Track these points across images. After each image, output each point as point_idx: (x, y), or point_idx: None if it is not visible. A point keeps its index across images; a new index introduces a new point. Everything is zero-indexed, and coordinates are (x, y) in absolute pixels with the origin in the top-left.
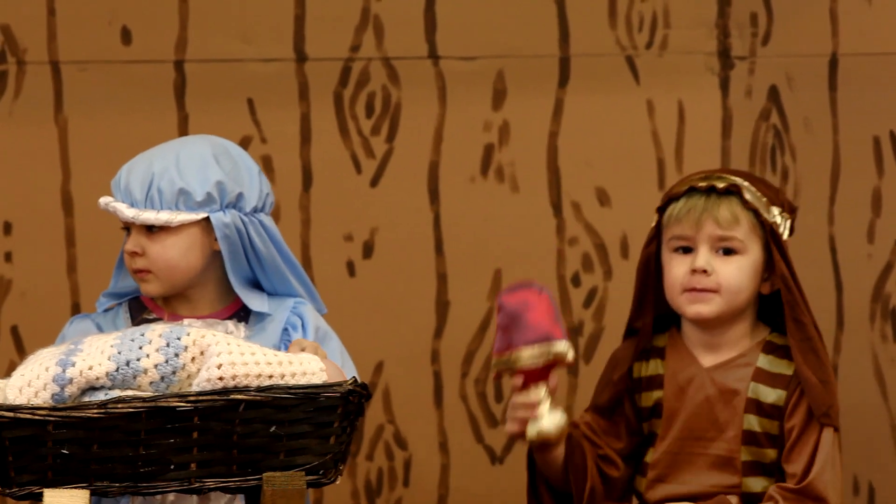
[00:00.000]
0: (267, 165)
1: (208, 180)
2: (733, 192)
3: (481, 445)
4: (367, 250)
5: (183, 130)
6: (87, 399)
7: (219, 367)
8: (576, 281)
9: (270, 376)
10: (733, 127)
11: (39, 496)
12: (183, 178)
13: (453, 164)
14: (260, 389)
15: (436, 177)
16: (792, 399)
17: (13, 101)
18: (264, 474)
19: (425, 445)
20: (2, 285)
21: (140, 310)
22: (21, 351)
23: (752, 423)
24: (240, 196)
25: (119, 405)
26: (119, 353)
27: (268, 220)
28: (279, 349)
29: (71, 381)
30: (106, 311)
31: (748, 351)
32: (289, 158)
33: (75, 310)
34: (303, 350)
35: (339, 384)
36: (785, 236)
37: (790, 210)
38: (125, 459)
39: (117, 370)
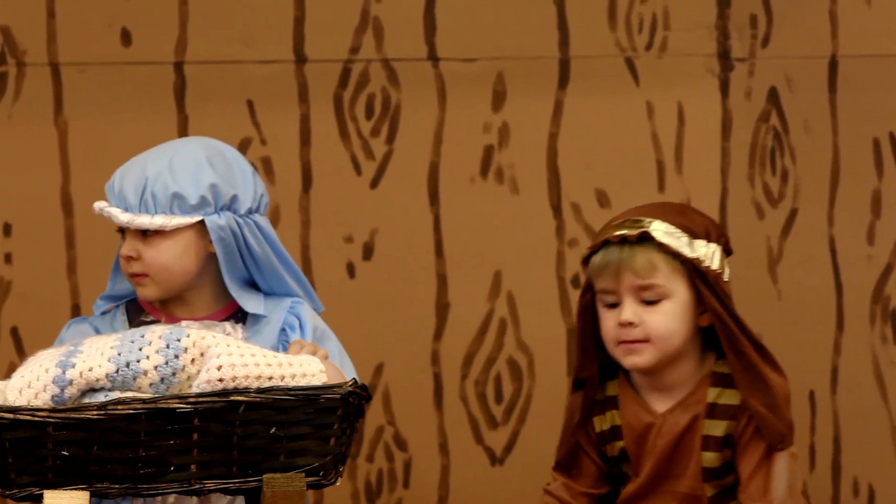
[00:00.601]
0: (266, 167)
1: (202, 183)
2: (647, 238)
3: (481, 447)
4: (367, 252)
5: (183, 132)
6: (86, 401)
7: (219, 368)
8: (576, 282)
9: (270, 378)
10: (733, 129)
11: (39, 498)
12: (176, 182)
13: (453, 166)
14: (260, 391)
15: (436, 178)
16: (739, 429)
17: (13, 103)
18: (264, 476)
19: (425, 447)
20: (2, 287)
21: (137, 312)
22: (21, 352)
23: (710, 459)
24: (234, 198)
25: (119, 407)
26: (119, 354)
27: (263, 221)
28: (277, 349)
29: (71, 382)
30: (103, 313)
31: (696, 387)
32: (288, 160)
33: (75, 311)
34: (302, 350)
35: (339, 386)
36: (715, 265)
37: (718, 236)
38: (125, 461)
39: (117, 372)
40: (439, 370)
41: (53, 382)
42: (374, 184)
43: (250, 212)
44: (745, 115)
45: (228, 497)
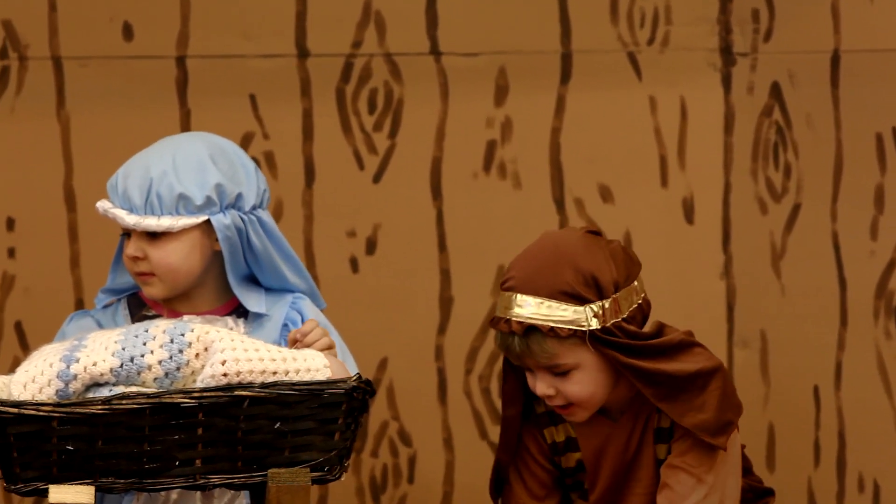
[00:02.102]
0: (269, 161)
1: (207, 183)
2: (536, 329)
3: (486, 441)
4: (370, 246)
5: (185, 126)
6: (91, 395)
7: (223, 363)
8: None
9: (275, 372)
10: (735, 123)
11: (44, 492)
12: (182, 183)
13: (456, 161)
14: (264, 386)
15: (438, 173)
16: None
17: (15, 97)
18: (269, 471)
19: (430, 442)
20: (5, 281)
21: (139, 306)
22: (25, 347)
23: (662, 452)
24: (239, 196)
25: (123, 401)
26: (123, 349)
27: (266, 216)
28: (279, 344)
29: (75, 377)
30: (105, 307)
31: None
32: (291, 155)
33: (79, 305)
34: (315, 329)
35: (343, 381)
36: (622, 312)
37: (615, 285)
38: (130, 456)
39: (121, 366)
40: (443, 365)
41: (58, 377)
42: (377, 178)
43: (254, 208)
44: (748, 110)
45: (230, 492)
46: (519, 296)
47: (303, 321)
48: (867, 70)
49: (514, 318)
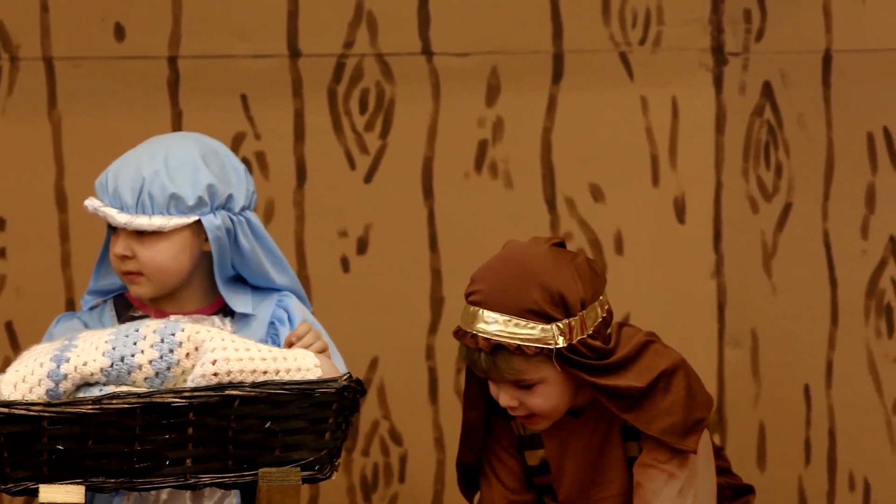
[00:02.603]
0: (261, 162)
1: (199, 184)
2: (501, 346)
3: None
4: (362, 246)
5: (177, 126)
6: (81, 395)
7: (213, 362)
8: None
9: (265, 372)
10: (727, 123)
11: (35, 492)
12: (174, 183)
13: (447, 160)
14: (255, 385)
15: (430, 173)
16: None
17: (6, 98)
18: (260, 470)
19: (420, 441)
20: None
21: (126, 307)
22: (16, 347)
23: (633, 449)
24: (229, 197)
25: (114, 401)
26: (113, 348)
27: (254, 217)
28: (266, 342)
29: (65, 376)
30: (91, 308)
31: None
32: (282, 155)
33: (70, 305)
34: (309, 333)
35: (333, 380)
36: (587, 327)
37: (582, 303)
38: (120, 455)
39: (112, 366)
40: (434, 364)
41: (48, 377)
42: (369, 178)
43: (243, 209)
44: (739, 110)
45: (221, 491)
46: (485, 312)
47: (290, 319)
48: (858, 70)
49: (481, 335)
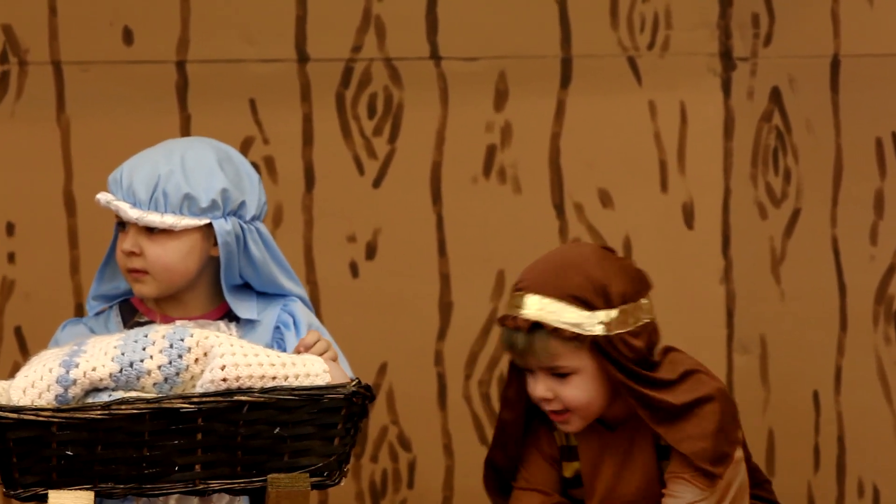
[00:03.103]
0: (269, 166)
1: (213, 187)
2: (541, 326)
3: (485, 446)
4: (370, 251)
5: (185, 131)
6: (90, 400)
7: (222, 368)
8: None
9: (274, 378)
10: (735, 128)
11: (44, 497)
12: (189, 184)
13: (456, 165)
14: (264, 391)
15: (438, 178)
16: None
17: (15, 102)
18: (269, 476)
19: (429, 447)
20: (5, 286)
21: (131, 312)
22: (25, 352)
23: (665, 467)
24: (242, 204)
25: (122, 406)
26: (122, 354)
27: (263, 228)
28: (271, 347)
29: (74, 382)
30: (97, 314)
31: None
32: (291, 159)
33: (78, 310)
34: (318, 342)
35: (342, 386)
36: (628, 324)
37: (623, 297)
38: (129, 461)
39: (121, 371)
40: (443, 370)
41: (57, 382)
42: (377, 183)
43: (253, 218)
44: (748, 115)
45: (228, 497)
46: (528, 295)
47: (295, 324)
48: (867, 75)
49: (521, 316)
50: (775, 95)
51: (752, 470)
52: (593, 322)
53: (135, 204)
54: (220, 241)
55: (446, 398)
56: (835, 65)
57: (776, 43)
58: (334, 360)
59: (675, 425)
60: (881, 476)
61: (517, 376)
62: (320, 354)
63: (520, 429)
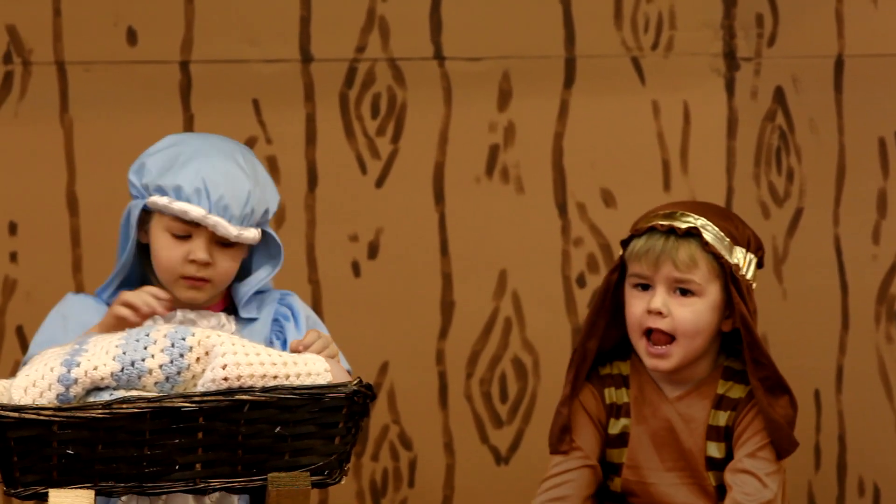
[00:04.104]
0: (272, 166)
1: (276, 199)
2: (694, 234)
3: (486, 446)
4: (373, 251)
5: (188, 131)
6: (91, 399)
7: (223, 367)
8: (581, 282)
9: (275, 377)
10: (739, 128)
11: (45, 496)
12: (266, 199)
13: (458, 165)
14: (265, 390)
15: (441, 177)
16: (739, 419)
17: (18, 102)
18: (269, 475)
19: (430, 446)
20: (7, 285)
21: None
22: (26, 351)
23: (713, 449)
24: (269, 212)
25: (124, 405)
26: (124, 353)
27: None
28: (270, 341)
29: (76, 381)
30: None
31: (708, 378)
32: (294, 159)
33: None
34: (318, 340)
35: (343, 385)
36: (749, 274)
37: (756, 249)
38: (130, 460)
39: (122, 370)
40: (444, 369)
41: (58, 381)
42: (380, 183)
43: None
44: (751, 115)
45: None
46: (691, 214)
47: (294, 316)
48: (871, 75)
49: (677, 224)
50: (779, 95)
51: None
52: (737, 254)
53: (230, 220)
54: (256, 245)
55: (447, 397)
56: (838, 65)
57: (780, 43)
58: (333, 357)
59: (769, 388)
60: (882, 475)
61: (606, 307)
62: (319, 352)
63: (592, 361)
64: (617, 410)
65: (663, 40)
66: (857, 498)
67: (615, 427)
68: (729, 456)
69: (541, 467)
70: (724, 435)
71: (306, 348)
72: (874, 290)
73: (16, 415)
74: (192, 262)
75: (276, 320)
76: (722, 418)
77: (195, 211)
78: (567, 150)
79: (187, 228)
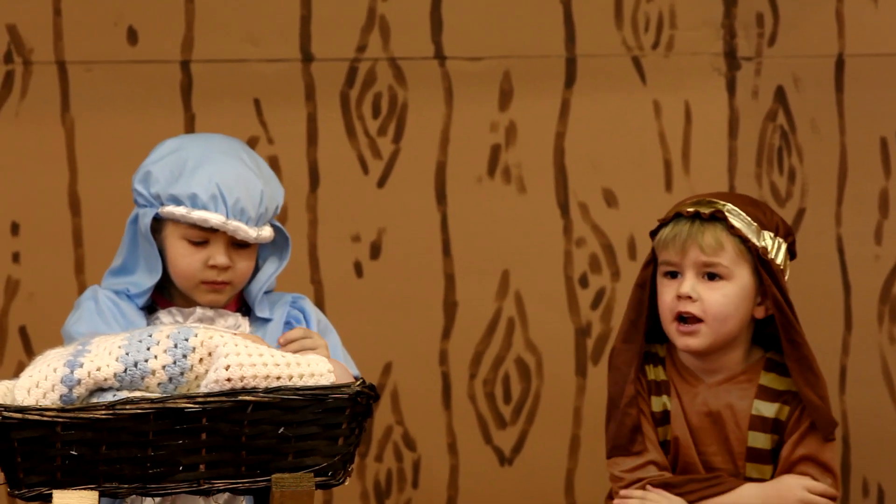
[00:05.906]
0: (274, 166)
1: (282, 192)
2: (719, 218)
3: (490, 446)
4: (375, 251)
5: (189, 131)
6: (95, 400)
7: (227, 368)
8: (583, 282)
9: (278, 377)
10: (740, 128)
11: (48, 497)
12: (275, 194)
13: (460, 165)
14: (268, 391)
15: (443, 177)
16: (793, 415)
17: (20, 101)
18: (273, 476)
19: (434, 446)
20: (10, 286)
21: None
22: (29, 351)
23: (757, 440)
24: (279, 207)
25: (127, 406)
26: (127, 353)
27: None
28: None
29: (79, 382)
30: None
31: (749, 368)
32: (296, 159)
33: None
34: (307, 337)
35: (347, 385)
36: (778, 259)
37: (786, 234)
38: (134, 460)
39: (125, 371)
40: (447, 370)
41: (62, 382)
42: (382, 183)
43: None
44: (752, 114)
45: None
46: (718, 200)
47: (306, 318)
48: (872, 74)
49: (702, 209)
50: (780, 95)
51: None
52: (765, 238)
53: (248, 222)
54: (266, 244)
55: (451, 398)
56: (839, 64)
57: (781, 42)
58: (318, 347)
59: (804, 369)
60: (886, 475)
61: (643, 302)
62: (300, 350)
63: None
64: (657, 387)
65: (664, 40)
66: (862, 499)
67: (657, 405)
68: (771, 450)
69: (544, 468)
70: (772, 427)
71: (289, 341)
72: (877, 290)
73: (19, 416)
74: (213, 267)
75: (287, 323)
76: (769, 410)
77: (215, 218)
78: (568, 150)
79: (204, 235)
